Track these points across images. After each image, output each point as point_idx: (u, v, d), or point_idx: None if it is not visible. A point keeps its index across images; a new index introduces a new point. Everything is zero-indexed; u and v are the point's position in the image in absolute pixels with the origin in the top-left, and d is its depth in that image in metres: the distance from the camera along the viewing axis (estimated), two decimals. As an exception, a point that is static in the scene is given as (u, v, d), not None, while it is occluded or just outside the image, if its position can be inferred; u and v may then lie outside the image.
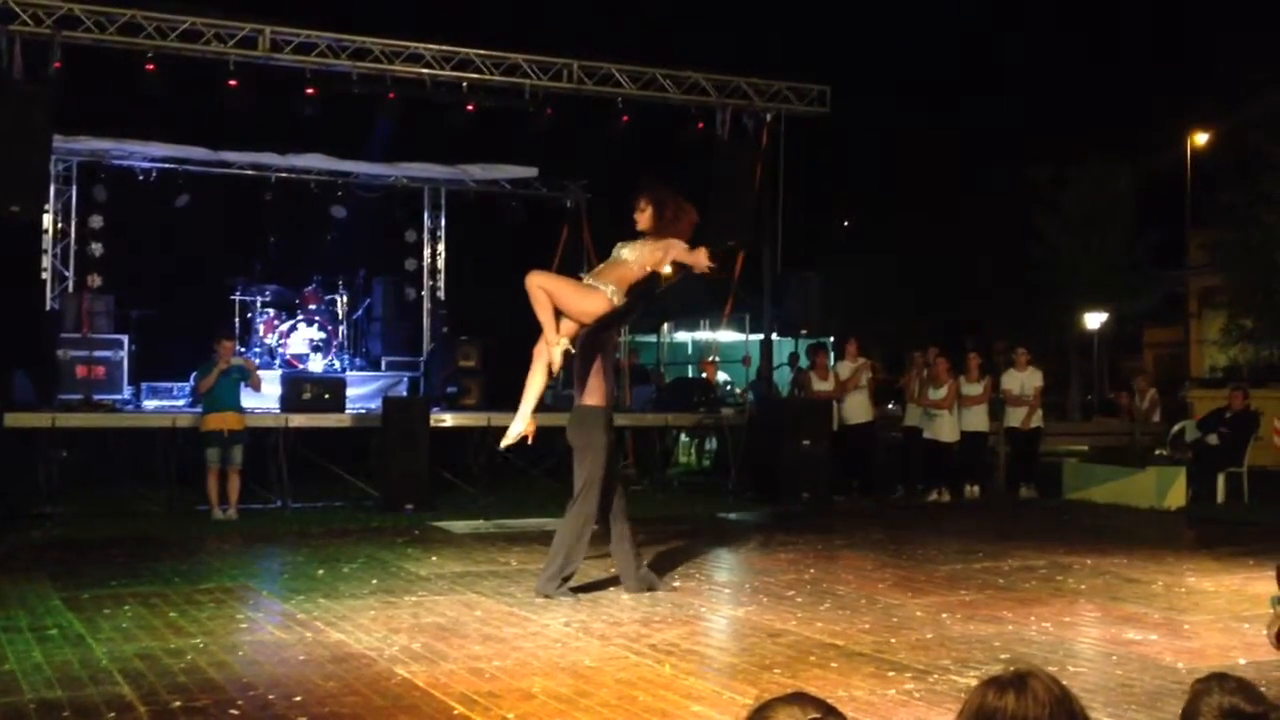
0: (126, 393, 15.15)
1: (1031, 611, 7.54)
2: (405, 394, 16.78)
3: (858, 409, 14.90)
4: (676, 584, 8.52)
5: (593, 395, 7.99)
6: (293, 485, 13.01)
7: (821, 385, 15.06)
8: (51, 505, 11.98)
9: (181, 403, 14.93)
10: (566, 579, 7.95)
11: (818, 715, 2.10)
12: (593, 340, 7.99)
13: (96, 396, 14.17)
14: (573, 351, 7.84)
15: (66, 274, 16.80)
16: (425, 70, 14.18)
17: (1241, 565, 9.39)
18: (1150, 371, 27.97)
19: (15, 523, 11.13)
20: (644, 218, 7.91)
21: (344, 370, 16.62)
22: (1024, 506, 14.19)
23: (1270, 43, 24.42)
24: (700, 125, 15.64)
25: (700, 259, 7.86)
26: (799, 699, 2.14)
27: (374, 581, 8.49)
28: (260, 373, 14.84)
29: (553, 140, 15.73)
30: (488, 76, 14.47)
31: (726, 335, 24.17)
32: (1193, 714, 2.44)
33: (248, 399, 12.62)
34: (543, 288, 7.73)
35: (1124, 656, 6.32)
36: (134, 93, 13.43)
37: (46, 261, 16.58)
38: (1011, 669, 2.24)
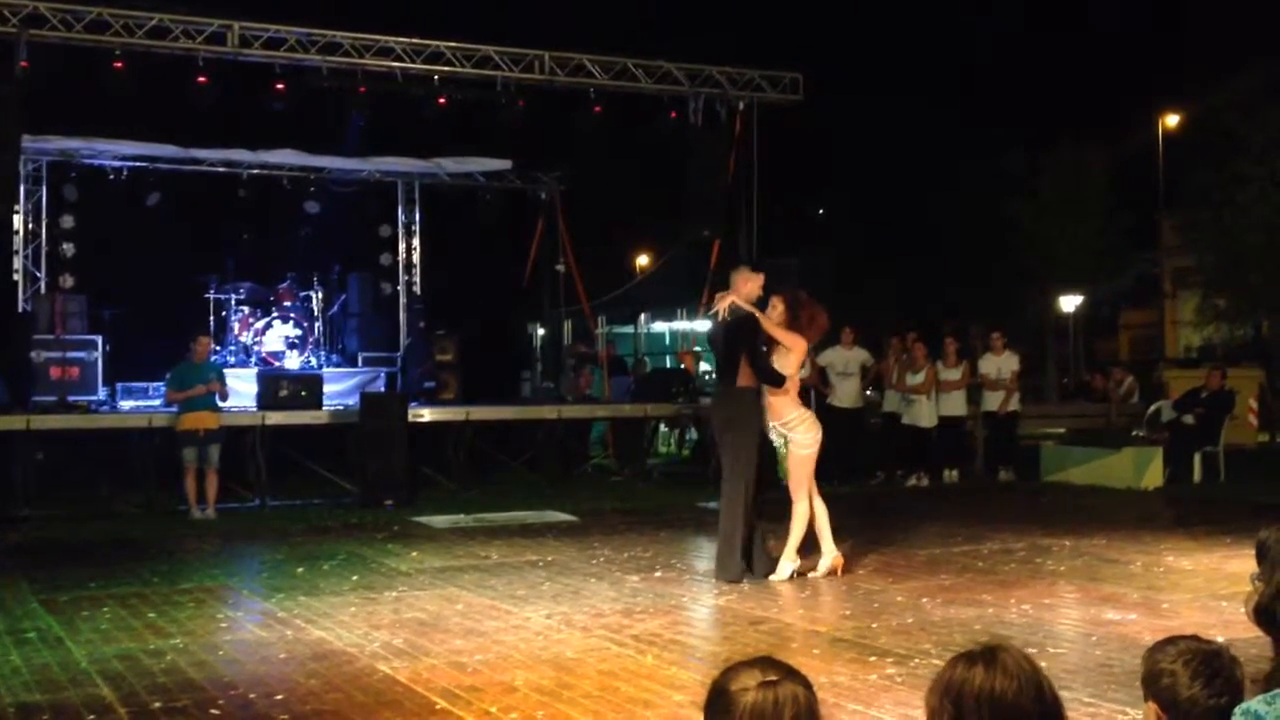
0: (101, 393, 15.03)
1: (1011, 594, 7.58)
2: (383, 389, 16.66)
3: (848, 395, 14.89)
4: (658, 573, 8.54)
5: (745, 377, 8.25)
6: (271, 483, 12.95)
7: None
8: (28, 508, 11.90)
9: (157, 403, 14.83)
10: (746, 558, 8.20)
11: (775, 677, 2.11)
12: (739, 328, 8.28)
13: (71, 398, 14.05)
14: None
15: (38, 275, 16.66)
16: (396, 64, 14.12)
17: (1219, 544, 9.45)
18: (1126, 361, 28.16)
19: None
20: (775, 314, 8.45)
21: (320, 367, 16.54)
22: (1002, 490, 14.25)
23: (1240, 24, 24.57)
24: (673, 114, 15.59)
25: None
26: (762, 662, 2.16)
27: (354, 578, 8.46)
28: (236, 370, 14.80)
29: (526, 132, 15.67)
30: (459, 69, 14.41)
31: (704, 325, 24.12)
32: (1154, 665, 2.51)
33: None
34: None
35: (1103, 637, 6.36)
36: (103, 91, 13.32)
37: (18, 262, 16.44)
38: (981, 643, 2.26)
